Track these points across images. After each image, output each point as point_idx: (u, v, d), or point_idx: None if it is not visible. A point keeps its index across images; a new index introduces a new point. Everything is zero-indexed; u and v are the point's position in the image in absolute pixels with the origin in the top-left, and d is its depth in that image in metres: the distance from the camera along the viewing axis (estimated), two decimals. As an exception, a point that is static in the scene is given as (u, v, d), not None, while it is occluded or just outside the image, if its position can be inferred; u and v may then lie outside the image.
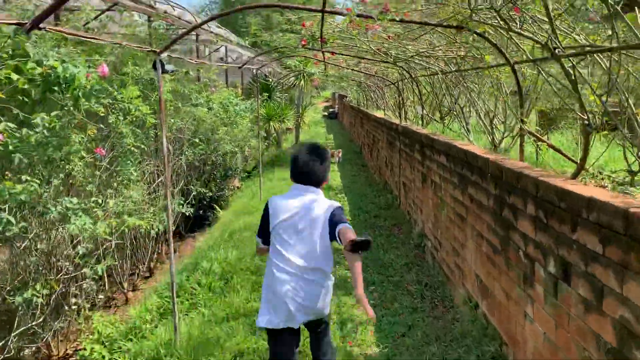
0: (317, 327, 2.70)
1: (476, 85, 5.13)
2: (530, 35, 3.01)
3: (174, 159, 10.05)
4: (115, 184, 5.69)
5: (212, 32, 11.61)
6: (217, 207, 10.56)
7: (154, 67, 3.90)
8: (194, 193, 8.96)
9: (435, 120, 7.08)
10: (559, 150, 3.43)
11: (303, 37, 6.43)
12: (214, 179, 12.25)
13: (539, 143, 3.72)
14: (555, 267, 2.57)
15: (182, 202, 7.94)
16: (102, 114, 4.32)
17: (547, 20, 2.54)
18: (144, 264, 7.56)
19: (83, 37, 3.66)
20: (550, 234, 2.62)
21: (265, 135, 17.06)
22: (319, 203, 2.58)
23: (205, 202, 11.36)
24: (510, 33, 3.30)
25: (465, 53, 4.98)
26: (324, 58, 8.40)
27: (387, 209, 8.32)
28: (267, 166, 14.01)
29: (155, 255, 8.56)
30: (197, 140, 9.69)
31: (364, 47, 6.08)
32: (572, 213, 2.37)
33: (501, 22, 3.14)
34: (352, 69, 8.92)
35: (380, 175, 10.63)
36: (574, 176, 2.71)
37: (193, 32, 11.57)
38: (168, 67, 4.01)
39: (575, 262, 2.36)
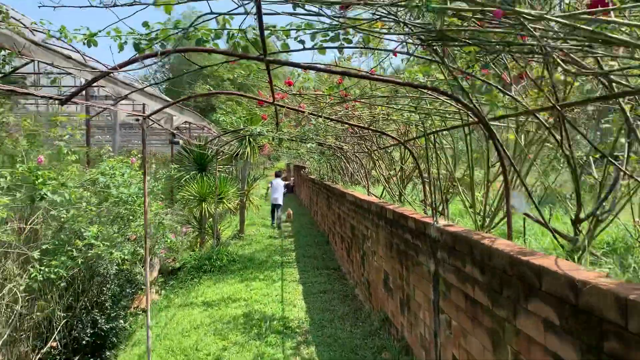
0: (277, 207, 15.61)
1: None
2: None
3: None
4: None
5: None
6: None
7: None
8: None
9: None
10: None
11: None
12: (99, 304, 7.57)
13: None
14: None
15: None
16: None
17: None
18: None
19: None
20: None
21: (197, 222, 12.52)
22: (281, 183, 15.94)
23: (91, 338, 6.93)
24: None
25: None
26: (273, 97, 4.24)
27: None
28: (193, 272, 9.33)
29: None
30: (38, 250, 5.11)
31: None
32: None
33: None
34: (324, 117, 4.76)
35: (372, 299, 6.27)
36: None
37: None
38: None
39: None
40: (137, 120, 11.23)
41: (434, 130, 3.83)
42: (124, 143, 13.76)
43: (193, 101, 39.90)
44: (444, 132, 4.34)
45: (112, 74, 7.63)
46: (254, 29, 3.05)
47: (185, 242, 10.53)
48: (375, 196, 7.62)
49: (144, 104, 10.03)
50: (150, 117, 4.88)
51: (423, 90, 3.16)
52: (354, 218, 7.84)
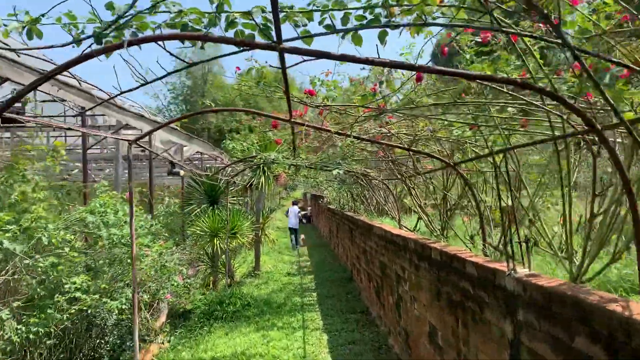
0: (295, 231, 18.45)
1: None
2: None
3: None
4: None
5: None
6: None
7: None
8: None
9: None
10: None
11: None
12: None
13: None
14: None
15: None
16: None
17: None
18: None
19: None
20: None
21: (209, 259, 11.58)
22: (296, 210, 18.81)
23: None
24: None
25: None
26: (290, 109, 3.37)
27: None
28: (203, 319, 8.32)
29: None
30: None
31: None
32: None
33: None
34: (351, 136, 3.85)
35: (412, 354, 5.20)
36: None
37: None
38: None
39: None
40: (143, 151, 10.49)
41: (506, 147, 2.87)
42: (134, 176, 12.96)
43: (206, 131, 39.49)
44: (509, 152, 3.37)
45: (112, 99, 6.89)
46: (263, 10, 2.19)
47: (195, 283, 9.58)
48: (407, 229, 6.63)
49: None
50: (138, 142, 4.04)
51: (502, 89, 2.24)
52: (384, 255, 6.84)
